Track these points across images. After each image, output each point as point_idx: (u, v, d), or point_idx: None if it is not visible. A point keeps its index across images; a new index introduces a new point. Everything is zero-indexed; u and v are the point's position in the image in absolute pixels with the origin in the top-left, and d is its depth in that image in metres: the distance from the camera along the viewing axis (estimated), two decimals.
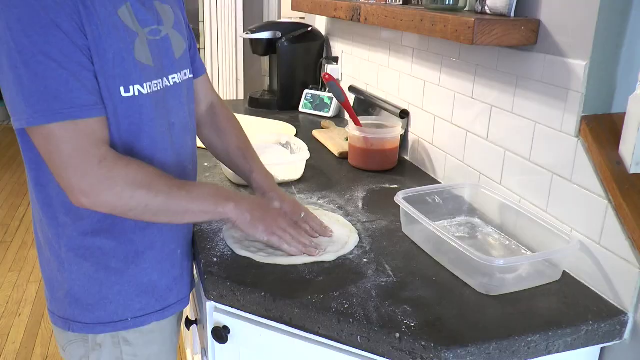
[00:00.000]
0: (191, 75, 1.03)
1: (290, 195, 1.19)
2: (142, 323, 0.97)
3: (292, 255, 0.99)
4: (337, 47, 2.12)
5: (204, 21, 3.59)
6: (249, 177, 1.13)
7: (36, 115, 0.77)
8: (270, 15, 3.76)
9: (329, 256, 1.00)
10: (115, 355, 0.96)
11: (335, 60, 2.12)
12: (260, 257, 0.99)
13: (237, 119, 1.20)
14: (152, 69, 0.90)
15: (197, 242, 1.06)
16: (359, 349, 0.84)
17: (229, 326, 0.97)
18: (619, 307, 0.88)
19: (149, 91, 0.89)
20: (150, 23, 0.90)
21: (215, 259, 1.00)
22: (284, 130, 1.83)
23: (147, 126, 0.89)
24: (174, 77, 0.95)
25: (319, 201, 1.26)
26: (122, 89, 0.85)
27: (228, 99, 3.70)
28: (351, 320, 0.83)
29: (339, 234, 1.08)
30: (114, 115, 0.85)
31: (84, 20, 0.79)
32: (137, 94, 0.87)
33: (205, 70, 1.18)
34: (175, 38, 0.96)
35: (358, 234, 1.10)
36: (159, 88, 0.91)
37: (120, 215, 0.87)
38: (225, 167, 1.24)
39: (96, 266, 0.92)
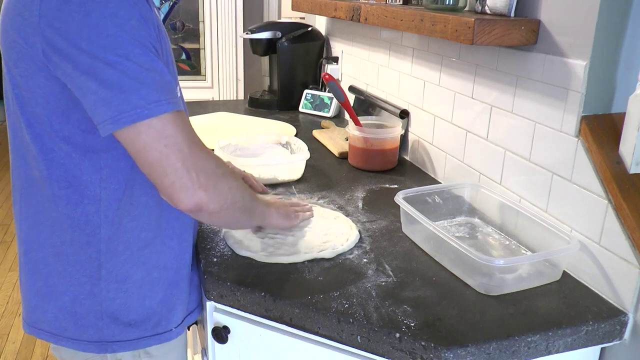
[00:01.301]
0: None
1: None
2: (182, 331, 0.95)
3: (294, 254, 1.00)
4: (337, 47, 2.12)
5: (204, 21, 3.59)
6: None
7: (150, 106, 0.71)
8: (270, 15, 3.76)
9: (327, 253, 1.00)
10: None
11: (335, 60, 2.12)
12: (262, 257, 0.99)
13: None
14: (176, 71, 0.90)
15: (197, 242, 1.06)
16: (359, 349, 0.84)
17: (229, 326, 0.97)
18: (619, 307, 0.88)
19: (180, 93, 0.89)
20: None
21: (215, 259, 1.00)
22: (284, 130, 1.83)
23: None
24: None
25: (319, 201, 1.26)
26: (178, 89, 0.83)
27: (228, 99, 3.70)
28: (351, 320, 0.83)
29: (340, 230, 1.09)
30: None
31: (155, 19, 0.78)
32: (179, 95, 0.85)
33: None
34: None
35: (359, 232, 1.10)
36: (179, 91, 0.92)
37: (222, 214, 0.82)
38: None
39: (139, 280, 0.88)
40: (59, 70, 0.74)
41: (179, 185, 0.75)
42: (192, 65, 3.69)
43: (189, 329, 1.31)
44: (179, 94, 0.85)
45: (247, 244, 1.03)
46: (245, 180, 1.17)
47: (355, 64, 1.95)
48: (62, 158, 0.81)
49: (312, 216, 1.13)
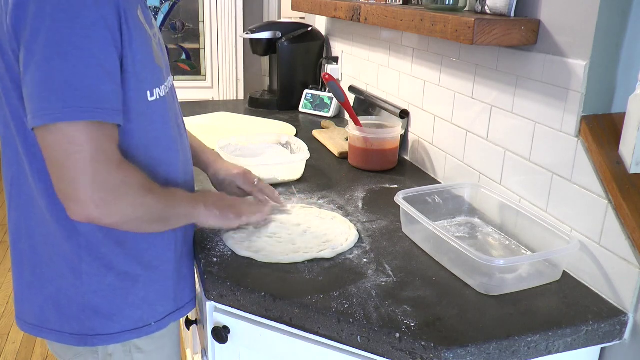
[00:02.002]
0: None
1: (234, 164, 1.20)
2: (164, 326, 0.95)
3: (294, 253, 1.00)
4: (337, 47, 2.12)
5: (204, 21, 3.59)
6: (197, 160, 1.16)
7: (67, 110, 0.71)
8: (270, 15, 3.76)
9: (327, 253, 1.00)
10: None
11: (335, 60, 2.12)
12: (262, 257, 0.99)
13: None
14: (162, 71, 0.90)
15: (197, 242, 1.06)
16: (359, 349, 0.84)
17: (229, 326, 0.97)
18: (619, 307, 0.88)
19: (164, 94, 0.89)
20: (152, 25, 0.90)
21: (215, 259, 1.00)
22: (284, 130, 1.83)
23: (165, 129, 0.90)
24: (169, 78, 0.96)
25: (319, 201, 1.26)
26: (148, 93, 0.84)
27: (228, 99, 3.70)
28: (351, 320, 0.83)
29: (340, 229, 1.09)
30: (140, 121, 0.84)
31: (122, 21, 0.77)
32: (158, 97, 0.86)
33: None
34: (162, 39, 0.96)
35: (357, 232, 1.10)
36: (168, 90, 0.92)
37: (122, 228, 0.83)
38: None
39: (122, 274, 0.89)
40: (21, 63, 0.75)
41: (71, 195, 0.75)
42: (192, 65, 3.70)
43: (188, 329, 1.31)
44: (163, 94, 0.86)
45: (248, 244, 1.03)
46: (258, 189, 1.14)
47: (355, 64, 1.95)
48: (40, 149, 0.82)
49: (262, 221, 1.07)
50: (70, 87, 0.72)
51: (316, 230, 1.09)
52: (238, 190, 1.15)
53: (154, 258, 0.93)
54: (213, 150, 1.21)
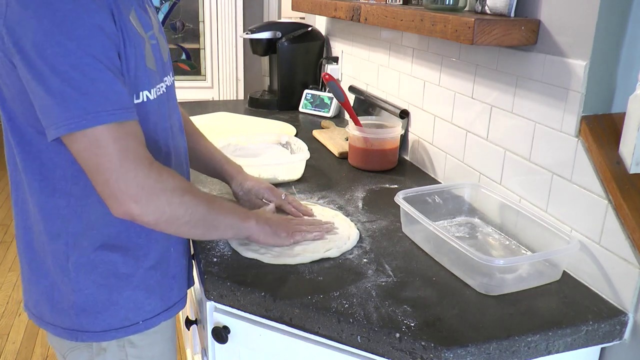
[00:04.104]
0: (174, 78, 1.04)
1: (260, 179, 1.22)
2: (153, 324, 0.96)
3: (299, 254, 1.00)
4: (337, 47, 2.12)
5: (204, 21, 3.59)
6: (220, 170, 1.19)
7: (88, 117, 0.74)
8: (270, 15, 3.76)
9: (333, 252, 1.00)
10: (120, 358, 0.95)
11: (335, 60, 2.12)
12: (269, 259, 0.99)
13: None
14: (155, 74, 0.90)
15: (197, 242, 1.06)
16: (359, 349, 0.84)
17: (229, 326, 0.97)
18: (619, 307, 0.88)
19: (154, 97, 0.90)
20: (149, 28, 0.90)
21: (215, 259, 1.00)
22: (284, 130, 1.83)
23: (151, 131, 0.90)
24: (166, 80, 0.96)
25: (319, 201, 1.26)
26: (133, 96, 0.85)
27: (228, 99, 3.70)
28: (351, 320, 0.83)
29: (340, 229, 1.09)
30: None
31: (116, 25, 0.79)
32: (145, 100, 0.87)
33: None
34: (162, 41, 0.96)
35: (358, 230, 1.10)
36: (160, 92, 0.92)
37: (161, 227, 0.84)
38: None
39: (106, 273, 0.90)
40: (19, 72, 0.76)
41: (108, 193, 0.78)
42: (192, 65, 3.70)
43: (188, 329, 1.31)
44: (153, 96, 0.88)
45: (252, 246, 1.03)
46: (286, 202, 1.15)
47: (355, 64, 1.95)
48: (38, 152, 0.84)
49: (321, 237, 1.05)
50: (86, 95, 0.74)
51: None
52: (261, 202, 1.16)
53: (141, 257, 0.93)
54: (236, 163, 1.23)
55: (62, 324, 0.92)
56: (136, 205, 0.79)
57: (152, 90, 0.89)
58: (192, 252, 1.10)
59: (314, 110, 2.10)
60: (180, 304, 1.02)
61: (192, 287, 1.10)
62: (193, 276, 1.09)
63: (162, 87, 0.93)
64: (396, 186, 1.37)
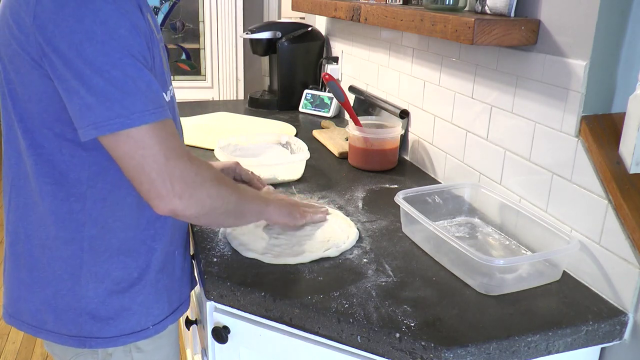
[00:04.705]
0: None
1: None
2: (162, 329, 0.95)
3: (299, 254, 1.00)
4: (337, 47, 2.12)
5: (204, 21, 3.59)
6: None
7: (133, 116, 0.74)
8: (270, 15, 3.76)
9: (332, 252, 1.00)
10: None
11: (335, 60, 2.12)
12: (269, 258, 0.99)
13: None
14: (168, 76, 0.91)
15: (197, 242, 1.06)
16: (359, 349, 0.84)
17: (229, 326, 0.97)
18: (619, 307, 0.88)
19: (169, 99, 0.90)
20: (159, 30, 0.91)
21: (215, 259, 1.00)
22: (284, 130, 1.83)
23: None
24: (171, 87, 0.96)
25: (319, 201, 1.26)
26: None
27: (228, 99, 3.70)
28: (351, 320, 0.83)
29: (340, 228, 1.09)
30: None
31: (146, 25, 0.80)
32: (168, 98, 0.88)
33: None
34: (161, 45, 0.97)
35: (357, 229, 1.10)
36: (170, 96, 0.93)
37: (201, 219, 0.85)
38: None
39: (119, 278, 0.89)
40: (50, 71, 0.75)
41: (154, 193, 0.78)
42: (192, 65, 3.69)
43: (188, 329, 1.31)
44: (168, 98, 0.87)
45: (253, 246, 1.03)
46: (250, 182, 1.19)
47: (355, 64, 1.95)
48: (51, 154, 0.83)
49: (324, 220, 1.13)
50: (129, 94, 0.74)
51: (316, 230, 1.09)
52: (239, 180, 1.19)
53: (153, 262, 0.92)
54: None
55: (68, 332, 0.90)
56: (180, 201, 0.79)
57: (167, 92, 0.89)
58: (192, 253, 1.11)
59: (314, 110, 2.10)
60: (184, 305, 1.02)
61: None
62: (195, 277, 1.10)
63: (171, 90, 0.94)
64: (396, 186, 1.37)
